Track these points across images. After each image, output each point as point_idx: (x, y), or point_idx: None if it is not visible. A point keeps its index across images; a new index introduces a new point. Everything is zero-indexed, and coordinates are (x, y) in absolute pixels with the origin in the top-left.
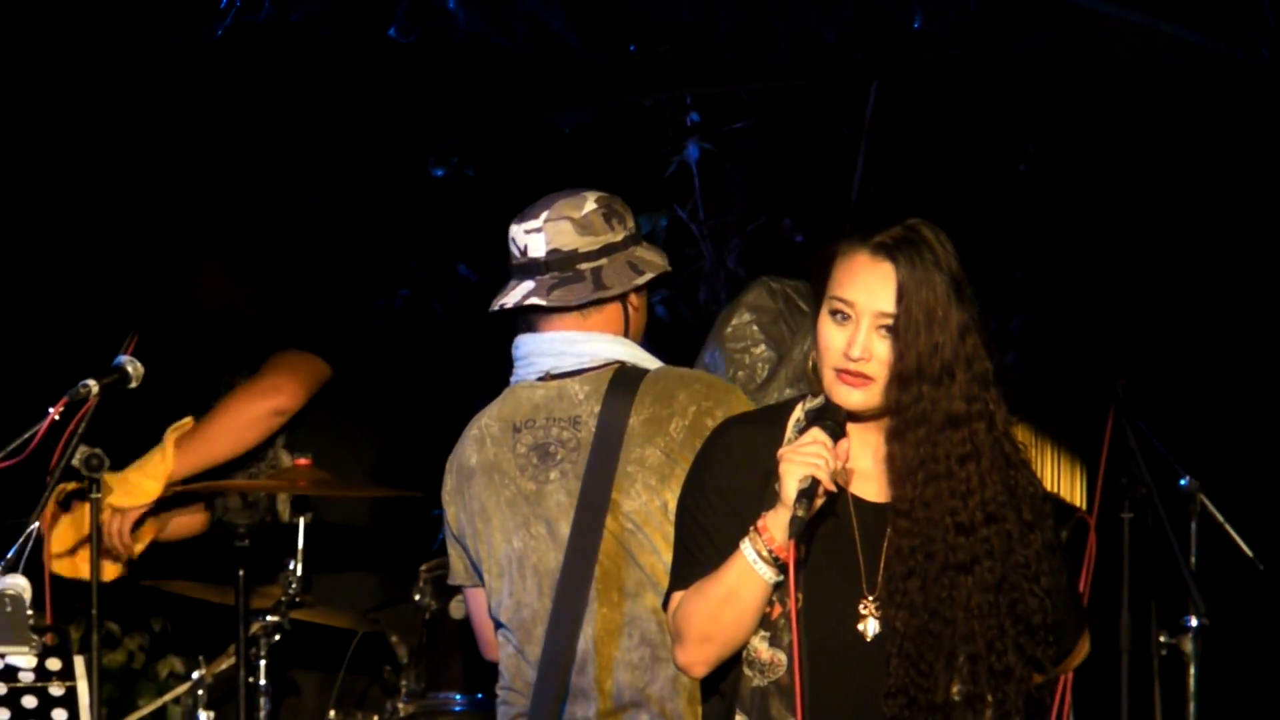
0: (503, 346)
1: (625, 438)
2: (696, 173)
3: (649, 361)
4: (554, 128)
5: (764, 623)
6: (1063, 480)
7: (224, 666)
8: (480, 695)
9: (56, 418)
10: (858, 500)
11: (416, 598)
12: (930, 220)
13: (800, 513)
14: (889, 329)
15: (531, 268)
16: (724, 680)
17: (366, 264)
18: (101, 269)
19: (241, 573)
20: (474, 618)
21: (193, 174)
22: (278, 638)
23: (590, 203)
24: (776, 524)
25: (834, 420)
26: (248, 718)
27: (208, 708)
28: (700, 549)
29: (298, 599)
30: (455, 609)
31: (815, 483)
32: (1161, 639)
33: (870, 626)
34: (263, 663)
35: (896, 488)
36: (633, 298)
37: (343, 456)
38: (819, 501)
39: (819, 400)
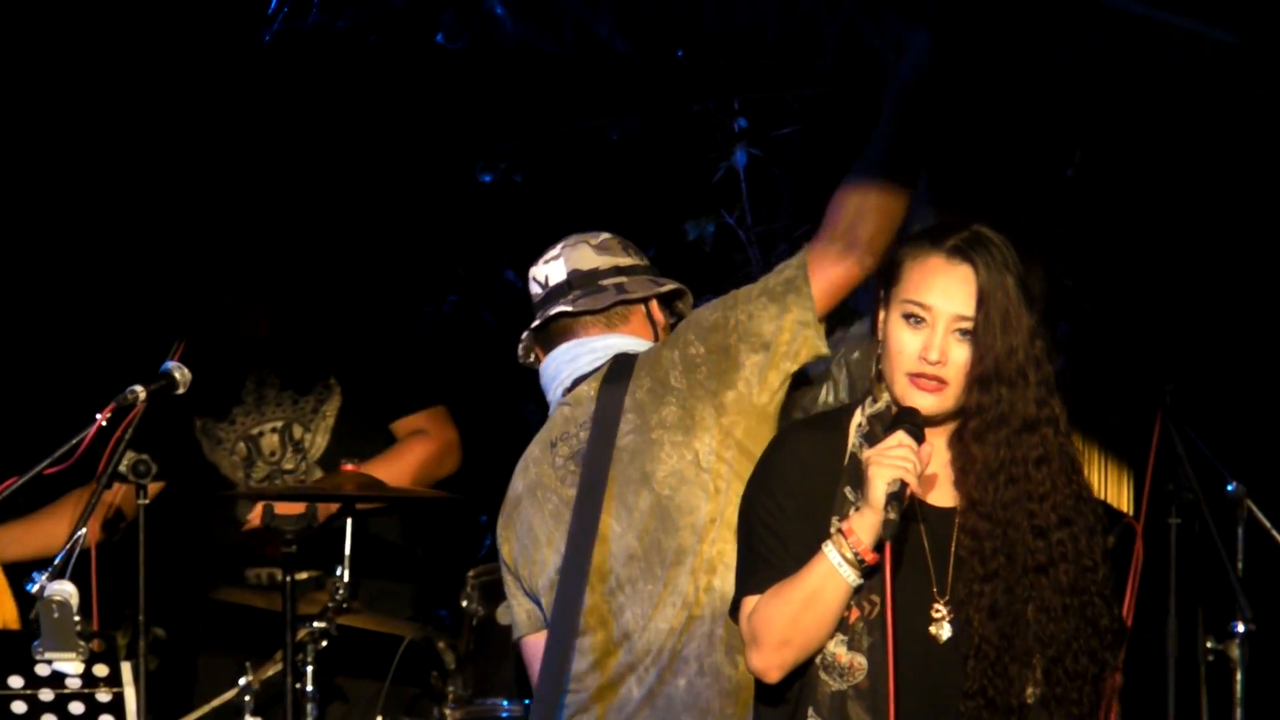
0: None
1: (638, 411)
2: (744, 179)
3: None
4: (601, 134)
5: (841, 627)
6: (1110, 486)
7: (271, 672)
8: (528, 701)
9: (104, 424)
10: (924, 505)
11: (464, 604)
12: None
13: (892, 515)
14: (965, 332)
15: (556, 293)
16: (790, 688)
17: (411, 271)
18: (148, 275)
19: (289, 578)
20: (529, 666)
21: (239, 181)
22: (325, 644)
23: (605, 233)
24: (862, 526)
25: (913, 424)
26: None
27: (254, 714)
28: (773, 553)
29: (345, 605)
30: (503, 614)
31: (904, 485)
32: (1208, 645)
33: (944, 630)
34: (310, 669)
35: (976, 490)
36: (657, 313)
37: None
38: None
39: (880, 405)
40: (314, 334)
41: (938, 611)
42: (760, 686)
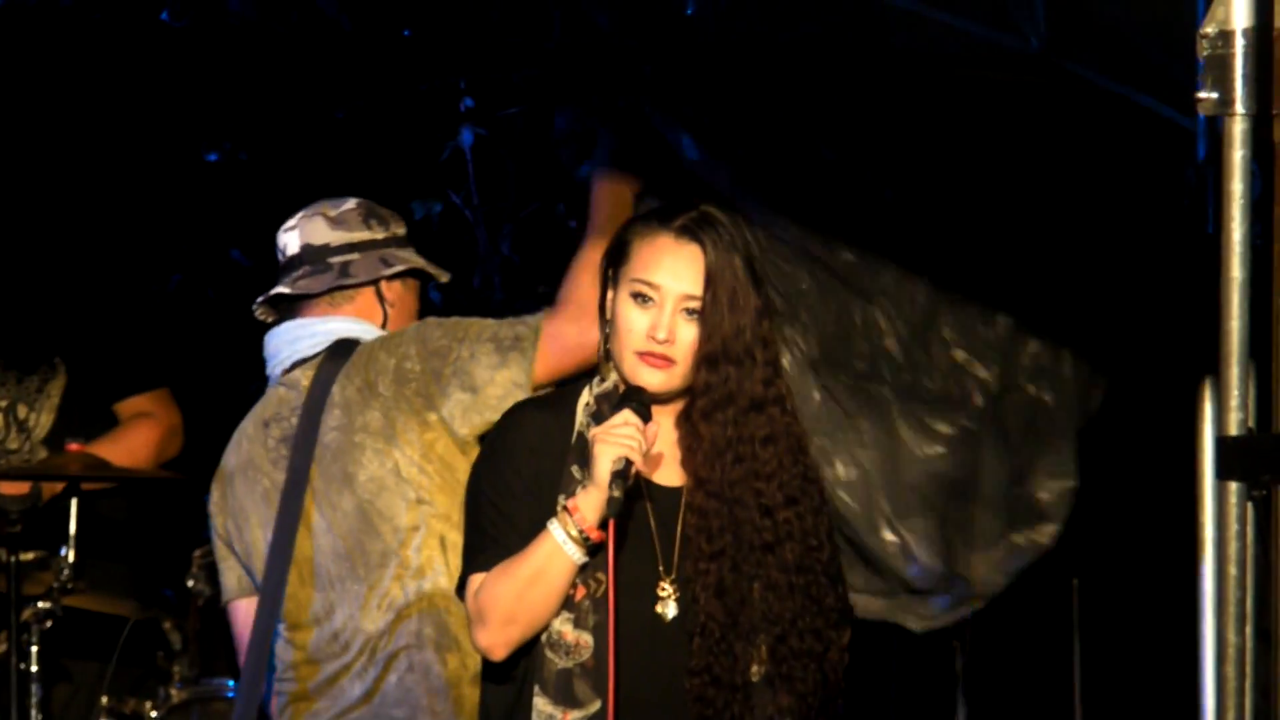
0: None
1: (344, 408)
2: (470, 159)
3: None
4: (327, 111)
5: (568, 605)
6: None
7: None
8: None
9: None
10: (650, 483)
11: (190, 584)
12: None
13: (616, 493)
14: (693, 311)
15: (288, 266)
16: (516, 666)
17: (135, 249)
18: None
19: (14, 558)
20: (237, 632)
21: None
22: (49, 624)
23: (350, 202)
24: (588, 504)
25: (640, 402)
26: (19, 705)
27: None
28: (500, 531)
29: (70, 585)
30: None
31: (629, 464)
32: None
33: (670, 608)
34: (34, 649)
35: (704, 469)
36: (389, 291)
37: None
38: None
39: (608, 384)
40: (37, 312)
41: (664, 590)
42: (487, 666)
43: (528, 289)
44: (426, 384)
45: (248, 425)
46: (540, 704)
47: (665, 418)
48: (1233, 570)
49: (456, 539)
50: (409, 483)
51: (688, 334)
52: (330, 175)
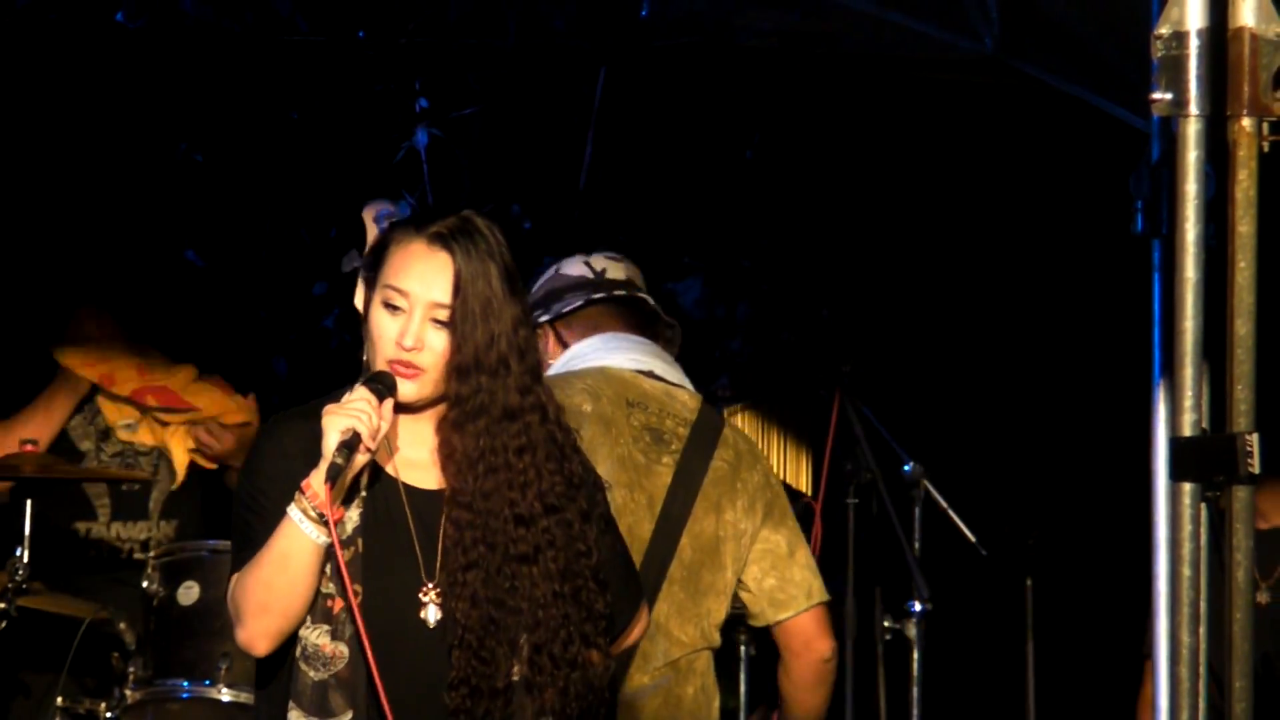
0: (227, 337)
1: (731, 452)
2: (425, 159)
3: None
4: (283, 112)
5: (325, 617)
6: (789, 466)
7: None
8: (208, 681)
9: None
10: (409, 488)
11: (145, 584)
12: (654, 206)
13: (340, 460)
14: (443, 322)
15: (613, 285)
16: (274, 682)
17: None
18: None
19: None
20: None
21: None
22: (4, 625)
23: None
24: (319, 480)
25: (382, 384)
26: None
27: None
28: (255, 532)
29: (25, 586)
30: (183, 595)
31: (356, 436)
32: (886, 624)
33: (431, 613)
34: None
35: (456, 479)
36: None
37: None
38: (361, 458)
39: None
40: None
41: (426, 595)
42: (257, 676)
43: None
44: (770, 507)
45: (603, 387)
46: (295, 716)
47: (426, 423)
48: (1186, 571)
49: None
50: (743, 552)
51: (438, 342)
52: (286, 176)
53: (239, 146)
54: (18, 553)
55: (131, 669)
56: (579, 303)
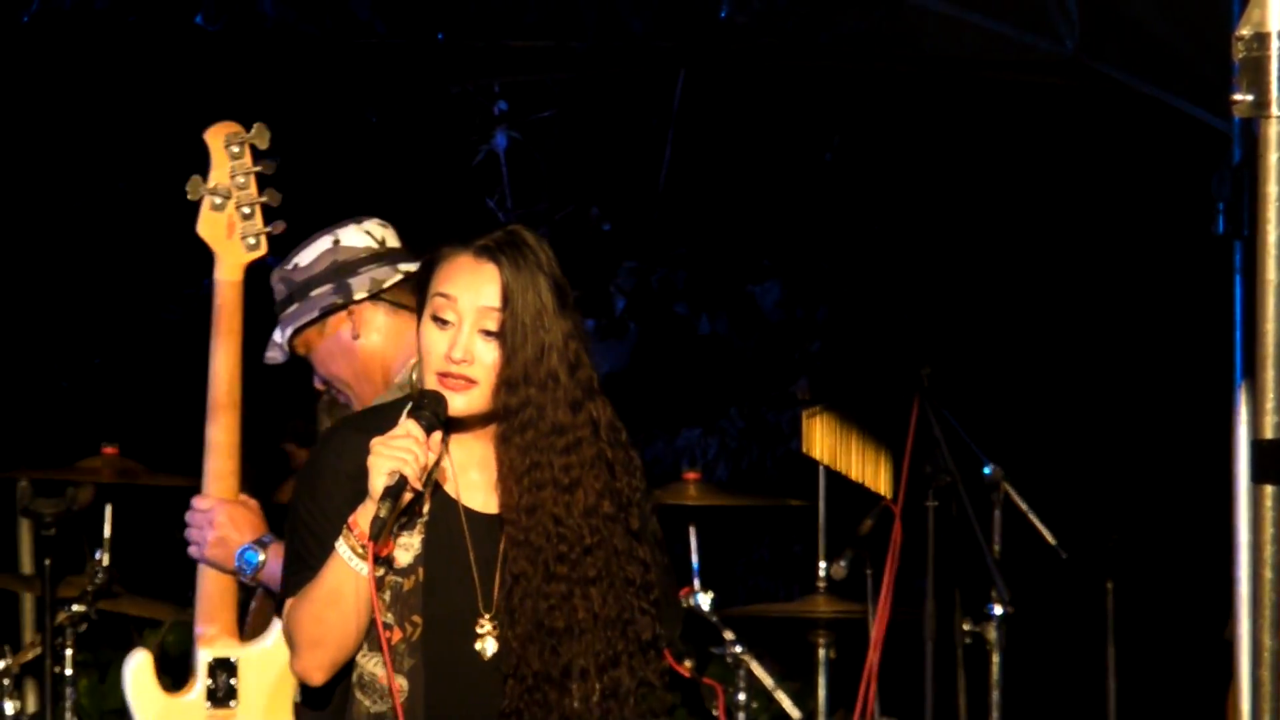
0: None
1: None
2: (504, 162)
3: None
4: (362, 115)
5: (381, 648)
6: (868, 469)
7: (30, 656)
8: None
9: None
10: (470, 512)
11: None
12: (734, 209)
13: (383, 513)
14: (493, 333)
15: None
16: (331, 701)
17: (168, 254)
18: None
19: (48, 562)
20: None
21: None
22: (84, 627)
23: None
24: (366, 519)
25: (431, 411)
26: (54, 707)
27: (14, 698)
28: (311, 554)
29: (104, 589)
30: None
31: (402, 479)
32: (966, 627)
33: (489, 645)
34: (69, 652)
35: (505, 494)
36: None
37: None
38: (407, 497)
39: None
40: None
41: (482, 626)
42: (308, 699)
43: None
44: None
45: None
46: None
47: (483, 443)
48: (1268, 574)
49: None
50: None
51: (488, 355)
52: (364, 179)
53: (317, 149)
54: (97, 556)
55: None
56: (397, 278)
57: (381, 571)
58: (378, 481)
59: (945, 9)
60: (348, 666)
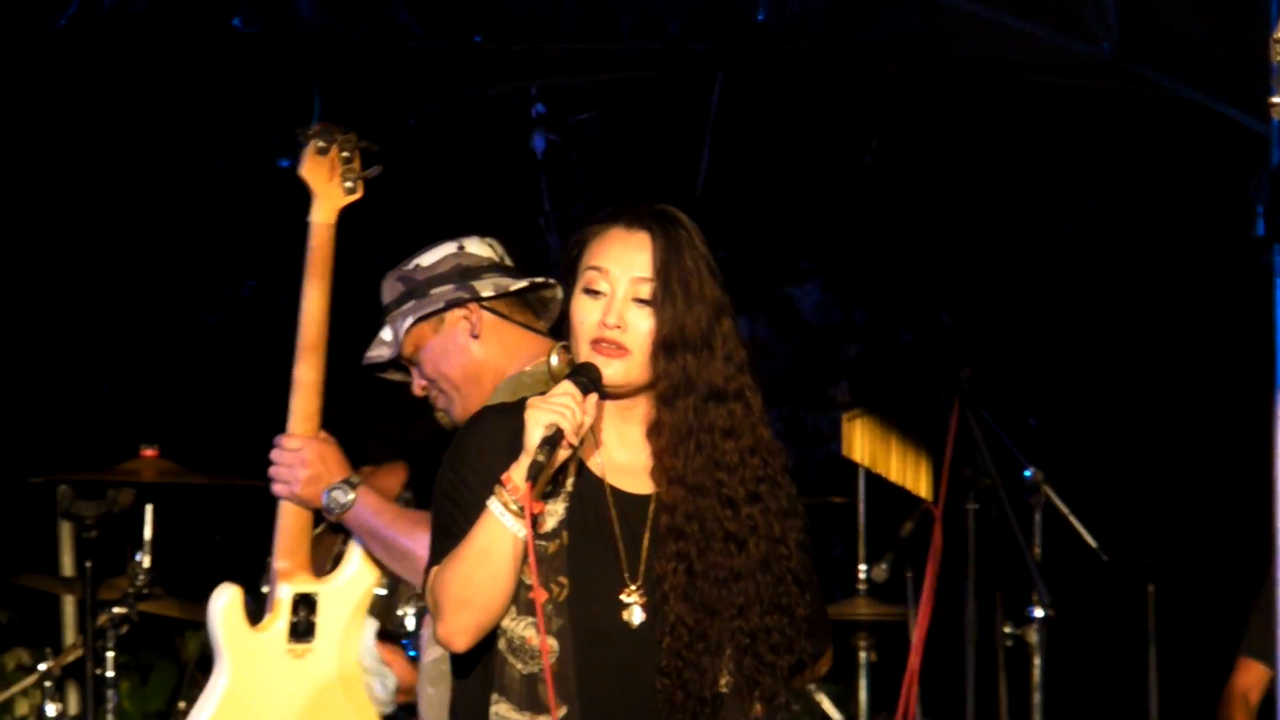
0: (348, 339)
1: None
2: (542, 164)
3: None
4: (399, 119)
5: (531, 609)
6: (908, 472)
7: (71, 658)
8: None
9: None
10: (616, 491)
11: (264, 589)
12: (772, 211)
13: (541, 457)
14: (645, 301)
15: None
16: (474, 671)
17: (208, 256)
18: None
19: (89, 564)
20: None
21: (36, 163)
22: (125, 629)
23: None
24: (520, 474)
25: (588, 377)
26: (95, 709)
27: (55, 700)
28: (455, 524)
29: (146, 591)
30: None
31: (559, 432)
32: (1006, 630)
33: (635, 615)
34: (110, 654)
35: (667, 456)
36: None
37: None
38: (563, 454)
39: None
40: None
41: (628, 597)
42: (455, 662)
43: None
44: None
45: None
46: (503, 710)
47: (635, 426)
48: None
49: None
50: None
51: (642, 323)
52: (402, 182)
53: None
54: (138, 558)
55: None
56: (523, 284)
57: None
58: (534, 434)
59: (982, 11)
60: (491, 635)
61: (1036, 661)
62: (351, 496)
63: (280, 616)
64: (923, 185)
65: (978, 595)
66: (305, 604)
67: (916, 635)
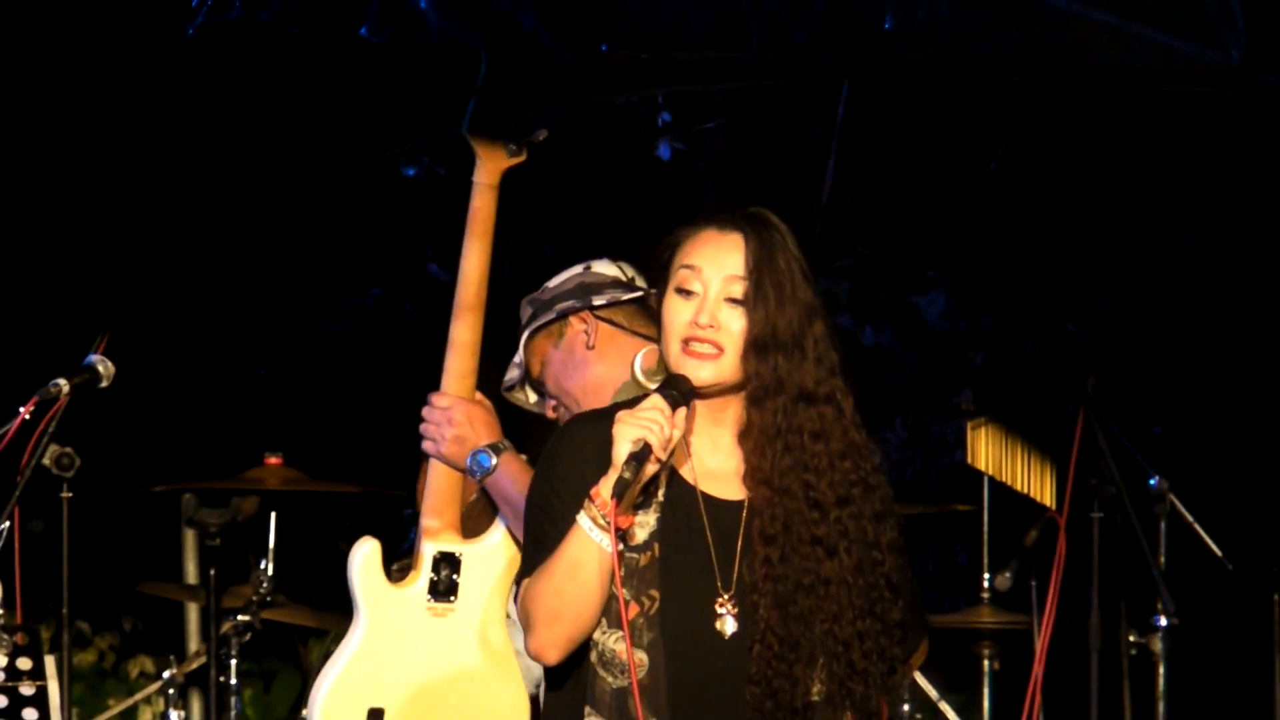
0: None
1: None
2: (668, 173)
3: None
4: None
5: (621, 622)
6: (1033, 480)
7: (195, 666)
8: None
9: (27, 417)
10: (708, 498)
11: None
12: (897, 220)
13: (627, 474)
14: (738, 301)
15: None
16: (566, 684)
17: (334, 264)
18: (72, 268)
19: (213, 572)
20: None
21: (165, 173)
22: (249, 637)
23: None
24: (608, 488)
25: (678, 390)
26: (219, 716)
27: (179, 707)
28: (547, 536)
29: (269, 599)
30: None
31: (647, 447)
32: (1131, 638)
33: (728, 625)
34: (234, 662)
35: (754, 457)
36: None
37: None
38: (650, 468)
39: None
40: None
41: (721, 606)
42: (549, 675)
43: None
44: None
45: None
46: None
47: (726, 433)
48: None
49: None
50: None
51: (734, 323)
52: (526, 190)
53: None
54: (261, 565)
55: None
56: (638, 293)
57: (619, 546)
58: (622, 448)
59: (1110, 19)
60: (584, 647)
61: (1161, 670)
62: (494, 462)
63: (422, 574)
64: (1048, 193)
65: (1102, 604)
66: (448, 563)
67: (1040, 644)
